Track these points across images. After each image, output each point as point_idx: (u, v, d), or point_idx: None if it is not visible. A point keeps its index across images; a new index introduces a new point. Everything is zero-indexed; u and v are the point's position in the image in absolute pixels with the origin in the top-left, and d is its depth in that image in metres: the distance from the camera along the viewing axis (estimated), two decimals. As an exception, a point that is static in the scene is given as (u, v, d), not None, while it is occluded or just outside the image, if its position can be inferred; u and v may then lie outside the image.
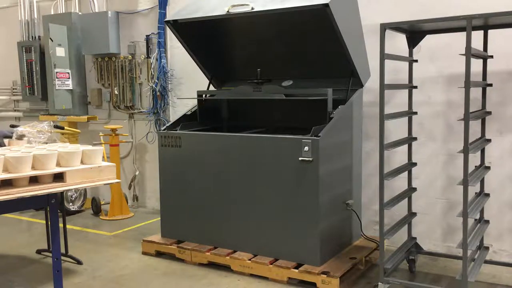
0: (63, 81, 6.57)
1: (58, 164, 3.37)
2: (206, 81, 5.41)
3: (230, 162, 4.37)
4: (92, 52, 6.74)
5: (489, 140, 4.00)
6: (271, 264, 4.11)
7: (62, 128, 6.30)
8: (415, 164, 4.22)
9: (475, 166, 3.95)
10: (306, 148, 3.92)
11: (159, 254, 4.77)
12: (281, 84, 4.88)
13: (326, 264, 4.04)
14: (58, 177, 3.33)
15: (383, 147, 3.47)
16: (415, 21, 3.53)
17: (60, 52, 6.54)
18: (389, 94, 4.70)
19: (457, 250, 4.27)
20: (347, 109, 4.32)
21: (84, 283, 4.19)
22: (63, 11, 7.06)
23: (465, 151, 3.16)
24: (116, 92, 6.73)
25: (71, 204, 6.49)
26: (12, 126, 6.12)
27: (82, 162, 3.51)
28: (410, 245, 4.14)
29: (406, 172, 4.12)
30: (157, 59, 6.24)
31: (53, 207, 3.43)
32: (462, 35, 3.20)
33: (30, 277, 4.35)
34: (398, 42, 4.25)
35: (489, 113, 4.01)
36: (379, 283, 3.56)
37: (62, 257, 4.71)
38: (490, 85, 3.99)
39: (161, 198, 4.87)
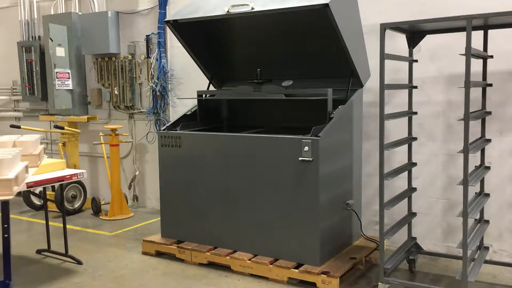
0: (63, 81, 6.57)
1: None
2: (206, 81, 5.41)
3: (230, 162, 4.36)
4: (92, 52, 6.74)
5: (489, 140, 4.00)
6: (271, 264, 4.11)
7: (62, 128, 6.31)
8: (415, 164, 4.22)
9: (475, 166, 3.95)
10: (306, 148, 3.92)
11: (159, 254, 4.77)
12: (281, 84, 4.88)
13: (326, 264, 4.04)
14: None
15: (383, 147, 3.47)
16: (415, 21, 3.53)
17: (60, 52, 6.53)
18: (389, 94, 4.70)
19: (457, 250, 4.27)
20: (347, 109, 4.32)
21: (84, 283, 4.19)
22: (63, 11, 7.06)
23: (465, 151, 3.16)
24: (116, 92, 6.73)
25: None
26: (12, 126, 6.15)
27: None
28: (410, 245, 4.14)
29: (406, 172, 4.13)
30: (157, 59, 6.24)
31: None
32: (462, 35, 3.21)
33: (30, 277, 4.35)
34: (398, 42, 4.25)
35: (489, 113, 4.01)
36: (379, 283, 3.56)
37: (62, 257, 4.73)
38: (490, 85, 3.99)
39: (161, 198, 4.87)
